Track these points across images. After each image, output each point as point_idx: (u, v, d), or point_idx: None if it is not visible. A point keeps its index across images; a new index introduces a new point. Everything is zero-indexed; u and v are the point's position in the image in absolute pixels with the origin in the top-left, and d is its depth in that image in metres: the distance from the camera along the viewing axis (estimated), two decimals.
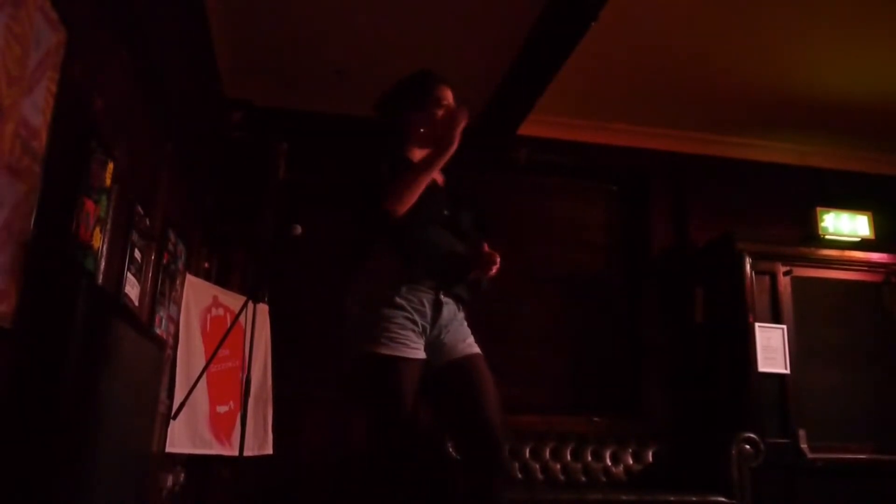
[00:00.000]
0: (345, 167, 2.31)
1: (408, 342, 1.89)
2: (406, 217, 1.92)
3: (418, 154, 2.11)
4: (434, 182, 2.08)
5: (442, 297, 1.97)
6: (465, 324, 2.07)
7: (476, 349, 2.02)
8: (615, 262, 4.84)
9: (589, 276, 4.74)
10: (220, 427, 3.48)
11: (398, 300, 1.90)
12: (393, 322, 1.88)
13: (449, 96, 2.15)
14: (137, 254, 2.61)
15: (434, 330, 1.96)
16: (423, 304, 1.94)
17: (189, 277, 3.48)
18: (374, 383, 1.89)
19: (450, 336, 1.99)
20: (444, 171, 2.16)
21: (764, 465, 3.74)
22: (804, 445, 3.94)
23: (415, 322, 1.91)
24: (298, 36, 3.86)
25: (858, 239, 4.62)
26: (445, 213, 2.06)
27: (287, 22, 3.73)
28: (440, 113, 2.09)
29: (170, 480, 3.35)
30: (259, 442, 3.63)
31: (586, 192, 4.93)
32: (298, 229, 3.05)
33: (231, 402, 3.57)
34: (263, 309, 3.67)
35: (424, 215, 1.98)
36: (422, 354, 1.92)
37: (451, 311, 2.01)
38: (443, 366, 1.97)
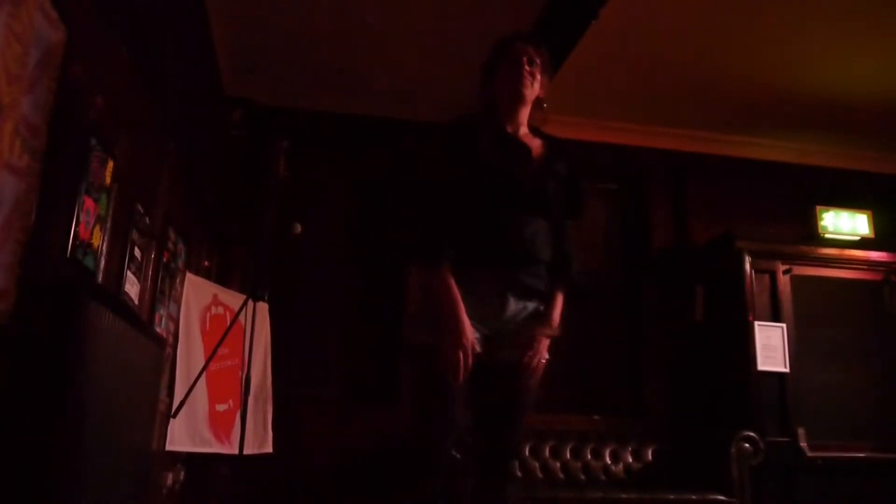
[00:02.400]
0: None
1: None
2: (477, 201, 1.82)
3: (510, 124, 1.98)
4: (524, 149, 1.95)
5: (509, 294, 1.85)
6: (545, 320, 1.92)
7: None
8: (615, 260, 4.85)
9: (589, 275, 4.73)
10: (219, 425, 3.49)
11: (460, 291, 1.79)
12: None
13: (528, 52, 1.98)
14: (137, 252, 2.61)
15: (497, 323, 1.85)
16: (486, 297, 1.82)
17: (189, 276, 3.48)
18: (422, 374, 1.83)
19: (517, 334, 1.87)
20: (543, 137, 2.03)
21: (763, 463, 3.75)
22: (804, 444, 3.94)
23: (473, 315, 1.79)
24: (298, 35, 3.86)
25: (858, 238, 4.62)
26: (529, 189, 1.89)
27: (287, 21, 3.73)
28: (517, 68, 1.95)
29: (170, 479, 3.35)
30: (259, 440, 3.63)
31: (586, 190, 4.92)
32: (298, 228, 3.04)
33: (230, 401, 3.57)
34: (263, 307, 3.67)
35: (498, 199, 1.85)
36: (477, 348, 1.81)
37: (520, 305, 1.88)
38: (497, 364, 1.85)
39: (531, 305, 1.91)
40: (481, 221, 1.84)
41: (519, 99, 1.98)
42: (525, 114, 2.02)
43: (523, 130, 2.02)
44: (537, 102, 2.03)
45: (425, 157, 1.95)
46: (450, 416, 1.78)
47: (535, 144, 2.00)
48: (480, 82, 2.06)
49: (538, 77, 1.99)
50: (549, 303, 1.95)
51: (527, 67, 1.97)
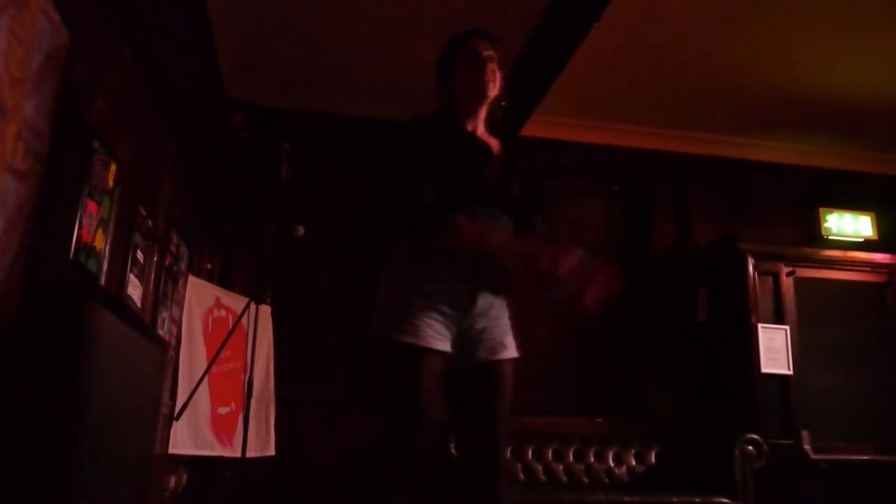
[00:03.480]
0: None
1: (433, 332, 1.76)
2: (444, 196, 1.80)
3: (471, 122, 1.99)
4: (486, 148, 1.96)
5: (478, 287, 1.83)
6: (506, 315, 1.91)
7: (513, 353, 1.90)
8: (617, 262, 4.83)
9: None
10: (221, 428, 3.48)
11: (428, 287, 1.78)
12: (419, 310, 1.76)
13: (483, 47, 1.98)
14: (140, 255, 2.61)
15: (466, 320, 1.83)
16: (455, 293, 1.80)
17: (191, 279, 3.48)
18: (393, 373, 1.79)
19: (486, 331, 1.86)
20: (499, 136, 2.04)
21: (767, 465, 3.73)
22: (807, 446, 3.93)
23: (443, 313, 1.78)
24: (300, 36, 3.86)
25: (862, 239, 4.60)
26: (492, 186, 1.90)
27: (288, 22, 3.73)
28: (479, 66, 1.95)
29: (172, 481, 3.35)
30: (261, 443, 3.62)
31: (588, 192, 4.92)
32: (300, 230, 3.04)
33: (233, 404, 3.57)
34: (265, 310, 3.67)
35: (465, 195, 1.84)
36: (446, 347, 1.79)
37: (488, 300, 1.86)
38: (471, 366, 1.85)
39: (497, 304, 1.90)
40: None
41: (483, 98, 1.99)
42: (484, 112, 2.03)
43: (481, 129, 2.03)
44: (495, 100, 2.03)
45: (394, 152, 1.94)
46: (422, 416, 1.73)
47: (494, 143, 2.02)
48: (437, 79, 2.06)
49: (498, 75, 1.99)
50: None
51: (490, 66, 1.97)
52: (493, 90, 1.98)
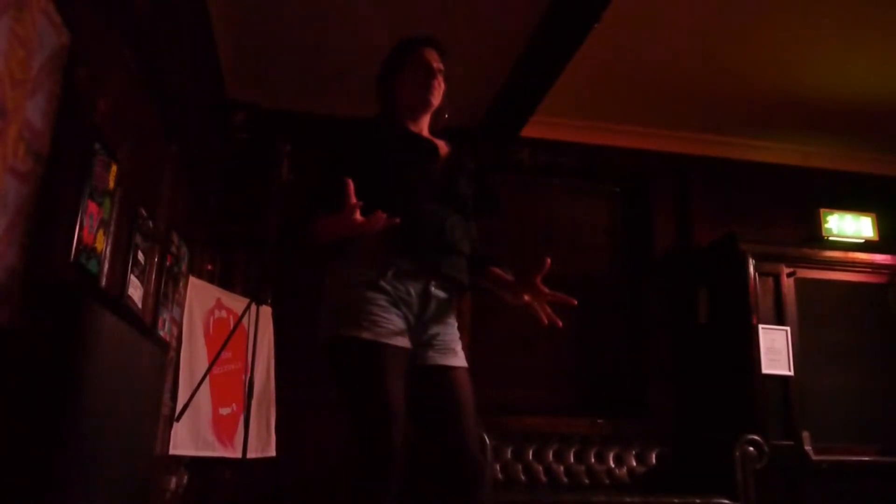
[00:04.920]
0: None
1: (392, 327, 1.74)
2: (395, 196, 1.81)
3: (413, 126, 2.01)
4: (432, 147, 1.98)
5: (432, 288, 1.83)
6: (455, 325, 1.92)
7: (464, 362, 1.88)
8: (618, 262, 4.84)
9: (592, 277, 4.73)
10: (222, 429, 3.49)
11: (382, 284, 1.76)
12: (376, 304, 1.74)
13: (433, 58, 2.01)
14: (141, 256, 2.61)
15: (419, 324, 1.82)
16: (409, 294, 1.79)
17: (192, 280, 3.48)
18: (355, 371, 1.75)
19: (437, 336, 1.85)
20: (449, 140, 2.07)
21: (768, 467, 3.74)
22: (808, 447, 3.92)
23: (398, 307, 1.77)
24: (301, 38, 3.86)
25: (862, 240, 4.60)
26: (441, 185, 1.91)
27: (289, 24, 3.73)
28: (428, 77, 1.98)
29: (173, 482, 3.35)
30: (262, 444, 3.63)
31: (589, 193, 4.92)
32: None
33: (234, 405, 3.57)
34: (266, 311, 3.67)
35: (416, 194, 1.85)
36: (407, 343, 1.77)
37: (441, 306, 1.86)
38: (427, 368, 1.82)
39: (449, 310, 1.89)
40: (401, 215, 1.79)
41: (427, 107, 2.02)
42: (427, 120, 2.05)
43: (426, 133, 2.06)
44: (438, 110, 2.06)
45: (332, 158, 1.94)
46: (393, 414, 1.67)
47: (441, 144, 2.04)
48: (379, 80, 2.07)
49: (443, 87, 2.03)
50: (496, 277, 1.99)
51: (438, 78, 2.00)
52: (437, 101, 2.02)
